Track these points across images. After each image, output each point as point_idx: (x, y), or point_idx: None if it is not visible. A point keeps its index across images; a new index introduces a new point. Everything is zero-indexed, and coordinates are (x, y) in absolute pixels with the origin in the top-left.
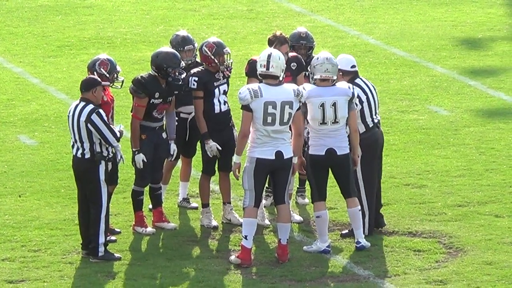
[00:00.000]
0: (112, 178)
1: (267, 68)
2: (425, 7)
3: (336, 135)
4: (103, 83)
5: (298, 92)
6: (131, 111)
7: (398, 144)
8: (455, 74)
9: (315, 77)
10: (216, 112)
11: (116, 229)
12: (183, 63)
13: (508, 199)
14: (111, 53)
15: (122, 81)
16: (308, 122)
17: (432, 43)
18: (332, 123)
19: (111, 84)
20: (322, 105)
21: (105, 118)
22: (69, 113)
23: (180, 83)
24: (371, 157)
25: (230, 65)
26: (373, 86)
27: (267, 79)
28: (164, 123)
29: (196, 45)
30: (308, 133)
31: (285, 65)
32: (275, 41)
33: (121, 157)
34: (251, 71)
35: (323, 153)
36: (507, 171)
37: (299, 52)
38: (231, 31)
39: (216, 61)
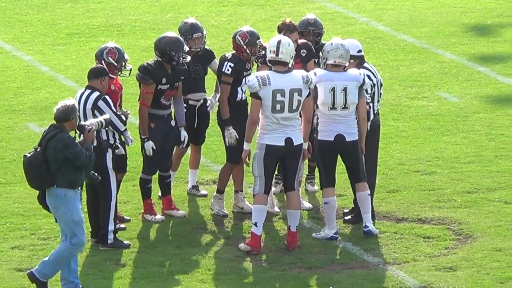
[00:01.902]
0: (122, 166)
1: (277, 54)
2: None
3: (346, 121)
4: (110, 75)
5: (308, 79)
6: (139, 99)
7: (408, 131)
8: (464, 60)
9: (327, 62)
10: (237, 100)
11: (126, 217)
12: (186, 47)
13: None
14: (120, 41)
15: (130, 69)
16: (317, 107)
17: (442, 30)
18: (342, 108)
19: (119, 73)
20: (333, 90)
21: (112, 104)
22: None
23: (185, 67)
24: (378, 141)
25: (261, 56)
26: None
27: (276, 66)
28: (173, 110)
29: (204, 32)
30: (317, 118)
31: (295, 52)
32: (284, 29)
33: (131, 140)
34: (263, 59)
35: (332, 139)
36: None
37: (307, 39)
38: (240, 18)
39: (248, 51)
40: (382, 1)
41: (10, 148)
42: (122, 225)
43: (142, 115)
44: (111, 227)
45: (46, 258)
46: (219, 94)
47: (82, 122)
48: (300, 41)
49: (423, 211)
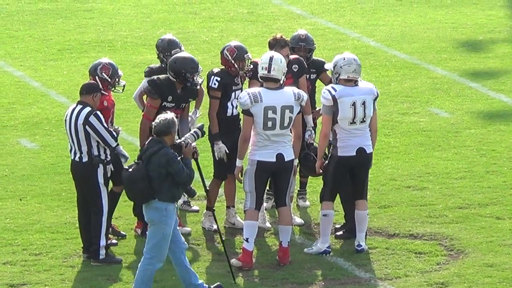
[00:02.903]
0: (119, 179)
1: (269, 71)
2: (425, 9)
3: (363, 134)
4: (102, 92)
5: (299, 96)
6: (143, 111)
7: (399, 147)
8: (455, 76)
9: (340, 77)
10: (228, 115)
11: (122, 232)
12: (200, 68)
13: (509, 201)
14: (112, 57)
15: (124, 86)
16: (336, 123)
17: (433, 45)
18: (360, 122)
19: (113, 88)
20: (354, 104)
21: (103, 120)
22: (66, 117)
23: (197, 88)
24: None
25: (249, 70)
26: None
27: (268, 82)
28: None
29: (182, 48)
30: (335, 134)
31: (286, 69)
32: (276, 44)
33: (125, 157)
34: (252, 74)
35: (354, 153)
36: (508, 173)
37: (299, 55)
38: (231, 34)
39: (236, 65)
40: (373, 17)
41: (1, 163)
42: (114, 241)
43: (143, 128)
44: (102, 242)
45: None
46: (204, 110)
47: (177, 140)
48: (292, 56)
49: (414, 227)
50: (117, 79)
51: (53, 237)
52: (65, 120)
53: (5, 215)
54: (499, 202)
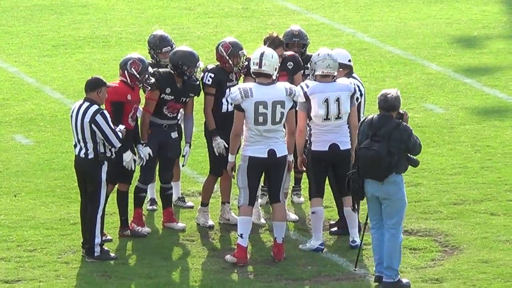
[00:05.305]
0: (125, 175)
1: (260, 66)
2: (420, 4)
3: (339, 130)
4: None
5: (291, 91)
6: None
7: None
8: (450, 72)
9: (316, 73)
10: (223, 111)
11: (144, 231)
12: (201, 63)
13: (504, 197)
14: (106, 52)
15: (153, 83)
16: (310, 119)
17: (427, 41)
18: (336, 118)
19: (141, 85)
20: (326, 101)
21: (109, 120)
22: (72, 112)
23: (197, 84)
24: None
25: (244, 66)
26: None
27: (260, 78)
28: (177, 122)
29: (174, 46)
30: (309, 129)
31: (279, 65)
32: (271, 44)
33: (142, 158)
34: (247, 70)
35: (327, 149)
36: (503, 169)
37: (293, 50)
38: (226, 29)
39: (231, 62)
40: (368, 12)
41: None
42: (109, 237)
43: (143, 120)
44: (97, 240)
45: (384, 263)
46: (199, 106)
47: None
48: (287, 53)
49: (409, 223)
50: (146, 76)
51: (47, 233)
52: (71, 116)
53: None
54: (493, 198)
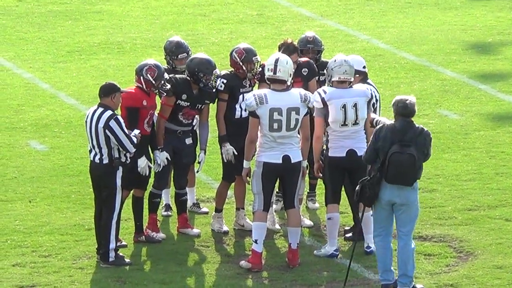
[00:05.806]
0: (140, 181)
1: (274, 72)
2: (434, 11)
3: (356, 136)
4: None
5: (306, 97)
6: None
7: None
8: (465, 78)
9: (333, 79)
10: (236, 117)
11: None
12: (217, 71)
13: None
14: (120, 58)
15: (169, 90)
16: (328, 125)
17: (442, 47)
18: (353, 124)
19: (156, 91)
20: (344, 107)
21: (123, 125)
22: (86, 118)
23: (213, 91)
24: None
25: (257, 72)
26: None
27: (274, 84)
28: (192, 128)
29: (190, 52)
30: (327, 135)
31: (293, 71)
32: (285, 50)
33: (158, 165)
34: (261, 76)
35: (344, 155)
36: None
37: (307, 57)
38: (240, 35)
39: (244, 68)
40: (382, 19)
41: (11, 165)
42: (124, 242)
43: (158, 125)
44: (112, 245)
45: (399, 272)
46: (212, 112)
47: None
48: (302, 59)
49: (424, 229)
50: (162, 82)
51: (62, 239)
52: (86, 122)
53: (14, 217)
54: (508, 204)
